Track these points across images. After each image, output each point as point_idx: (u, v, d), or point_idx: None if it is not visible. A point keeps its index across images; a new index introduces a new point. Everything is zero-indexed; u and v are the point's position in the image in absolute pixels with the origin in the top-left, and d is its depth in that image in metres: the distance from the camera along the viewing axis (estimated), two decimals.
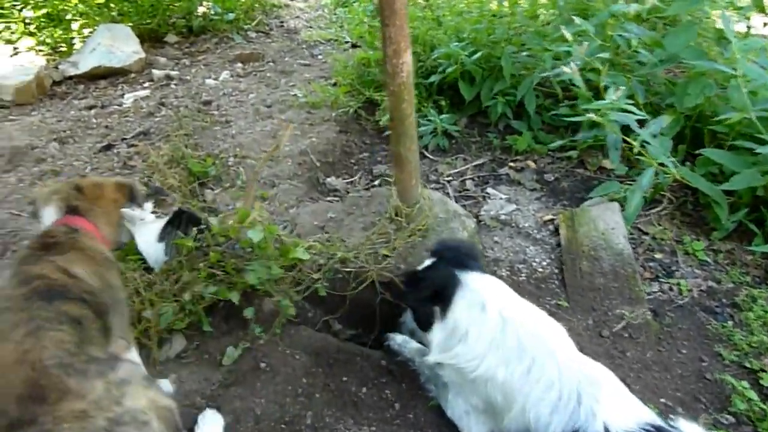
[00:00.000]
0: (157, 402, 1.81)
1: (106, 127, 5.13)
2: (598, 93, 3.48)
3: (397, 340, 2.72)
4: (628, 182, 3.63)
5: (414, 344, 2.65)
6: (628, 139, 3.30)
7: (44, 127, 5.13)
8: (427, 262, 2.42)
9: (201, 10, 8.02)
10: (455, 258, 2.32)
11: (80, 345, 1.79)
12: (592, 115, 2.95)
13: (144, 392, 1.78)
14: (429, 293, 2.25)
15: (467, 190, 3.91)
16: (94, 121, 5.29)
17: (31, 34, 7.39)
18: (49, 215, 2.29)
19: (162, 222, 2.93)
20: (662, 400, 2.46)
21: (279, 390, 2.51)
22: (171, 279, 2.78)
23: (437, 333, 2.25)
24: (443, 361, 2.23)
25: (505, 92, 4.39)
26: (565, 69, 2.91)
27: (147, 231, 2.87)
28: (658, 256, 3.21)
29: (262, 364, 2.61)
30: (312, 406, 2.45)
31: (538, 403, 1.96)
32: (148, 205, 2.87)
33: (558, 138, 4.17)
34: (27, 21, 7.40)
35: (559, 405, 1.93)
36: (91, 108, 5.66)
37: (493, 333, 2.07)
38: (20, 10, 7.41)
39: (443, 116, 4.38)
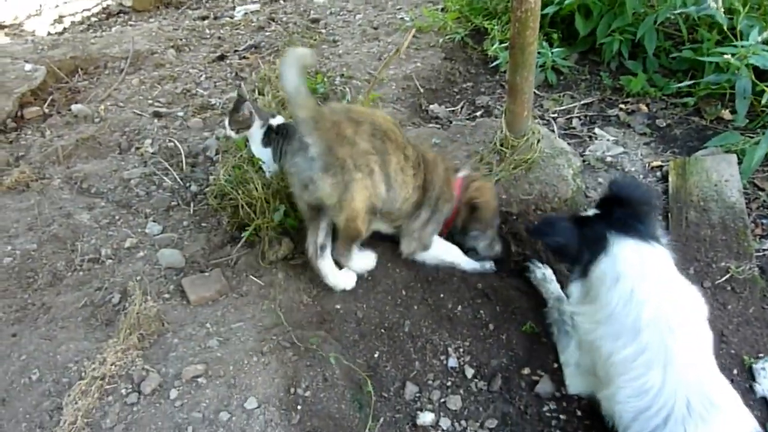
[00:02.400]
0: None
1: (219, 38, 5.32)
2: (726, 37, 3.27)
3: (537, 274, 2.75)
4: (748, 135, 3.44)
5: (554, 285, 2.68)
6: (758, 84, 3.09)
7: (162, 34, 5.37)
8: (593, 211, 2.37)
9: None
10: (621, 218, 2.20)
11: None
12: (728, 57, 2.77)
13: None
14: (575, 249, 2.24)
15: (573, 128, 3.83)
16: (207, 31, 5.49)
17: None
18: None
19: (259, 125, 3.05)
20: (761, 355, 2.44)
21: (379, 298, 2.68)
22: (285, 182, 2.94)
23: (575, 288, 2.27)
24: (576, 312, 2.27)
25: (622, 30, 4.17)
26: (711, 3, 2.71)
27: (253, 135, 3.06)
28: None
29: (365, 274, 2.77)
30: (410, 316, 2.61)
31: (625, 401, 1.91)
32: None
33: (674, 83, 3.97)
34: None
35: (643, 416, 1.86)
36: (204, 18, 5.87)
37: (615, 305, 2.01)
38: None
39: (554, 50, 4.23)
